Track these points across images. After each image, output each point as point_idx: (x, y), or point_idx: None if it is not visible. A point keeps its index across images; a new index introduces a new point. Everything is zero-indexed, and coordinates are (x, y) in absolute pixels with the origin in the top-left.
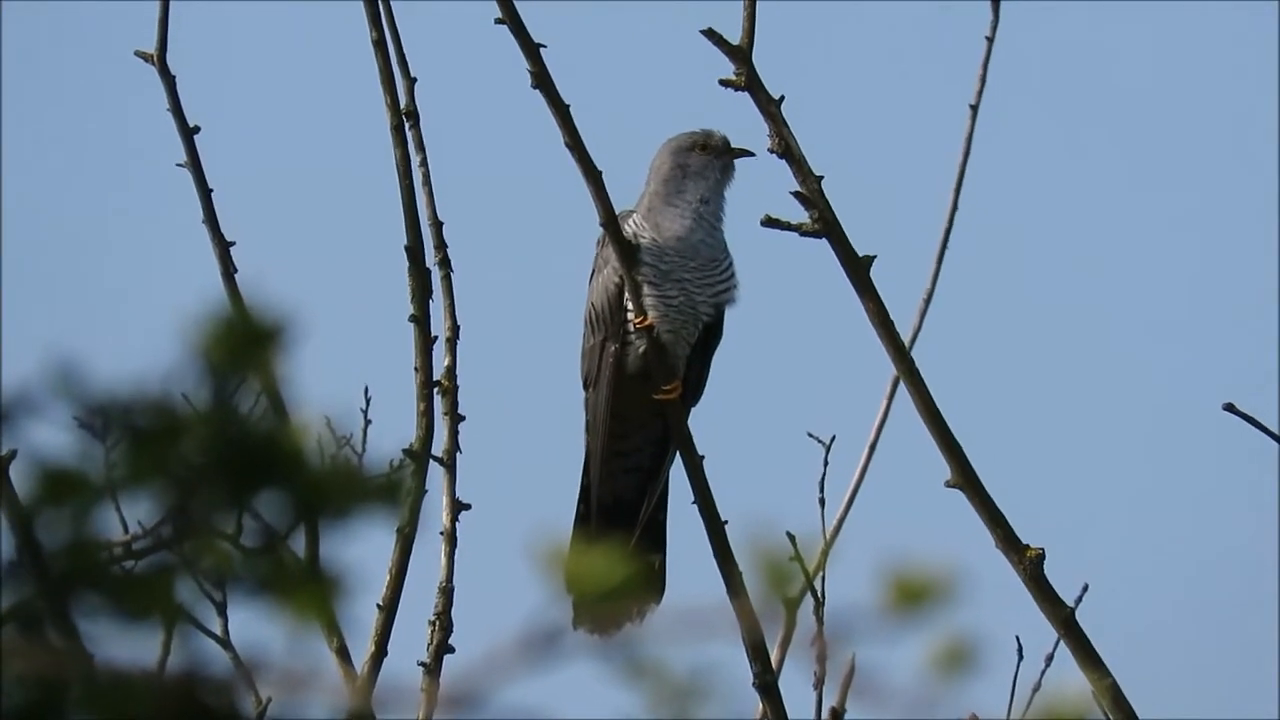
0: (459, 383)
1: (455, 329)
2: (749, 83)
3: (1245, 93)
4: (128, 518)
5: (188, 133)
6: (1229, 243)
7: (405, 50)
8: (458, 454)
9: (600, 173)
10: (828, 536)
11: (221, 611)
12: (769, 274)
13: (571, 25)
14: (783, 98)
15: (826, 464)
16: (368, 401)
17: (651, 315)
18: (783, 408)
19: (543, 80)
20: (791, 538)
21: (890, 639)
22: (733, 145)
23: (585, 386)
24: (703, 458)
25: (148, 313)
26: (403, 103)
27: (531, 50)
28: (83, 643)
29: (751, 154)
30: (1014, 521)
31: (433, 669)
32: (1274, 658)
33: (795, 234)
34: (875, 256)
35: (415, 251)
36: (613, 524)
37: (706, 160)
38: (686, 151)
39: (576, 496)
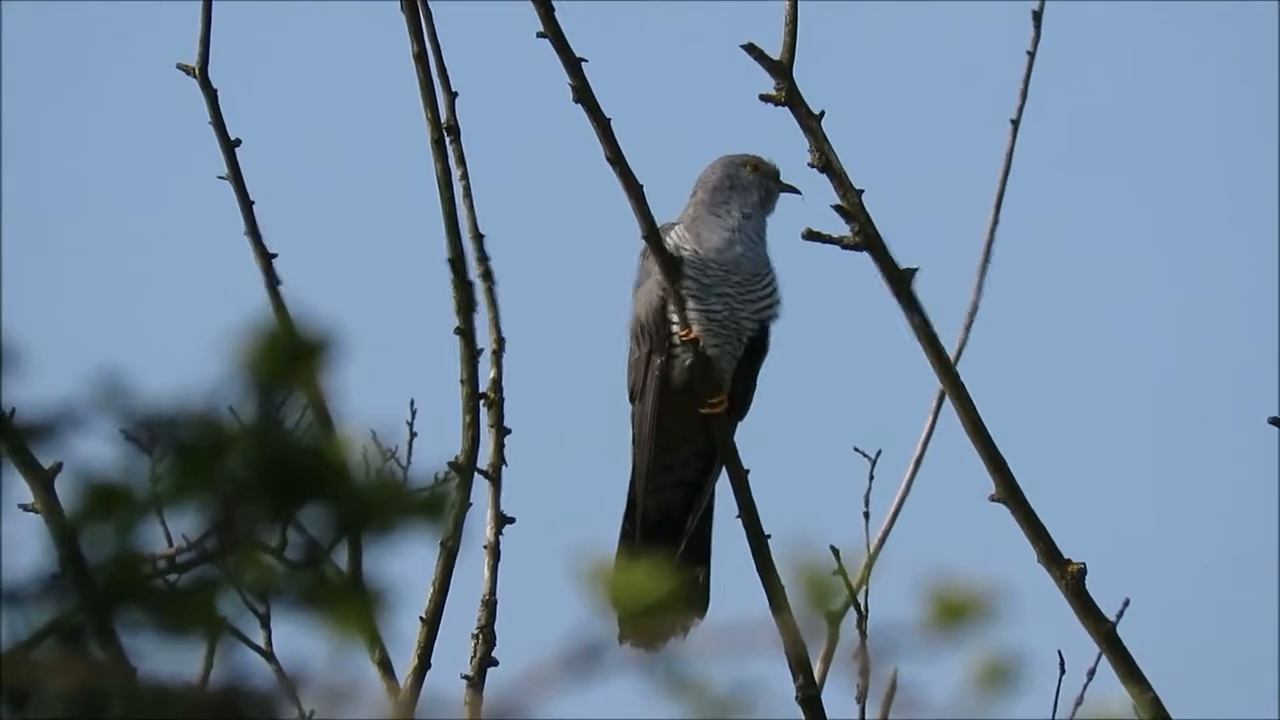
0: (504, 395)
1: (500, 341)
2: (789, 98)
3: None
4: (172, 531)
5: (229, 146)
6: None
7: (446, 64)
8: (503, 467)
9: (642, 186)
10: (871, 551)
11: (265, 625)
12: (812, 288)
13: (613, 39)
14: (823, 113)
15: (872, 478)
16: (413, 414)
17: (695, 329)
18: (828, 422)
19: (584, 94)
20: (835, 552)
21: (933, 654)
22: (783, 179)
23: (631, 399)
24: (748, 471)
25: (192, 326)
26: (444, 117)
27: (573, 64)
28: (126, 656)
29: (799, 192)
30: (1056, 536)
31: (476, 682)
32: None
33: (837, 247)
34: (917, 270)
35: (458, 264)
36: (658, 538)
37: (756, 179)
38: (739, 166)
39: (623, 510)
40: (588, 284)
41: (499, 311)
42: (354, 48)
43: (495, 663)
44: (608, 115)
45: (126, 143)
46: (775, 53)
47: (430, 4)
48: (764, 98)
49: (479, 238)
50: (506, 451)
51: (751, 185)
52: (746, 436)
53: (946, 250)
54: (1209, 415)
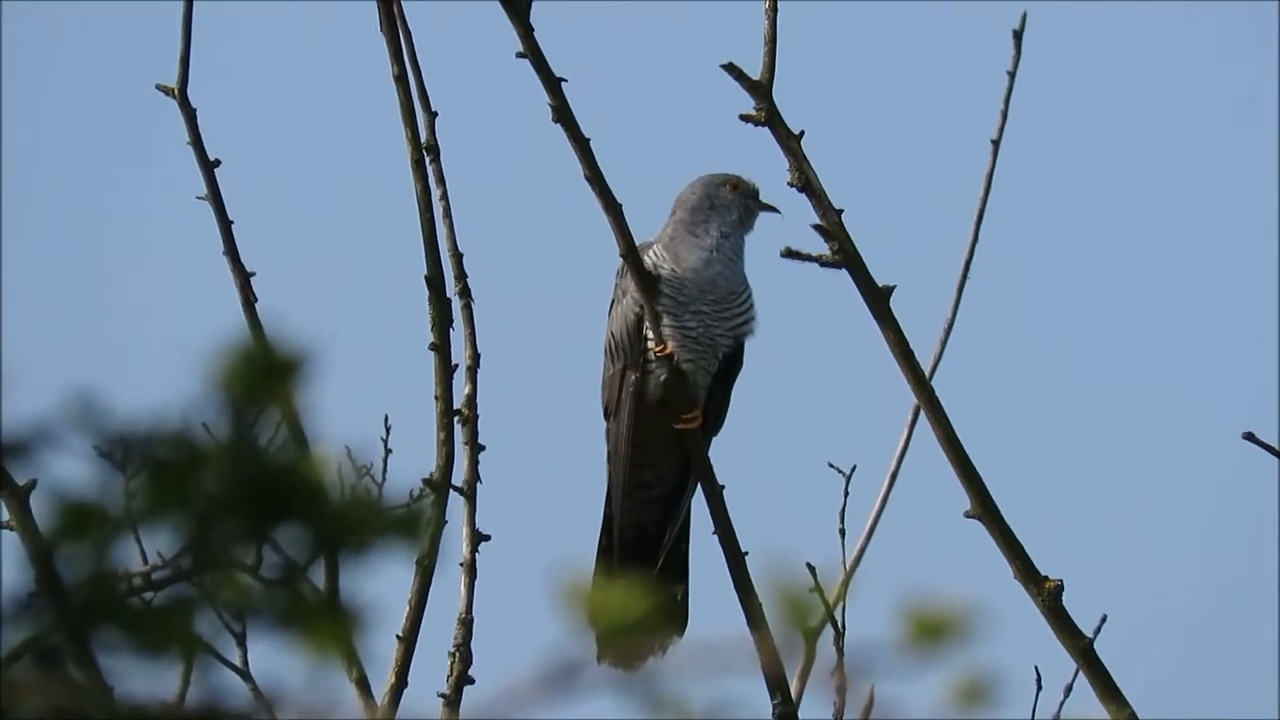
0: (479, 412)
1: (476, 358)
2: (769, 118)
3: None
4: (147, 549)
5: (208, 166)
6: (1255, 269)
7: (426, 84)
8: (478, 484)
9: (620, 205)
10: (848, 567)
11: (241, 643)
12: (789, 305)
13: (593, 59)
14: (803, 132)
15: (847, 494)
16: (388, 431)
17: (670, 345)
18: (803, 438)
19: (563, 114)
20: (812, 569)
21: (910, 671)
22: (762, 198)
23: (606, 416)
24: (723, 488)
25: (168, 344)
26: (423, 137)
27: (552, 84)
28: (102, 675)
29: (778, 211)
30: (1033, 552)
31: (453, 701)
32: None
33: (816, 265)
34: (895, 287)
35: (436, 281)
36: (635, 555)
37: (735, 198)
38: (718, 185)
39: (599, 528)
40: (564, 301)
41: (475, 329)
42: (334, 68)
43: (472, 681)
44: (587, 134)
45: (105, 162)
46: (755, 72)
47: (410, 25)
48: (744, 118)
49: (458, 256)
50: (481, 469)
51: (730, 204)
52: (722, 453)
53: (925, 267)
54: (1186, 430)
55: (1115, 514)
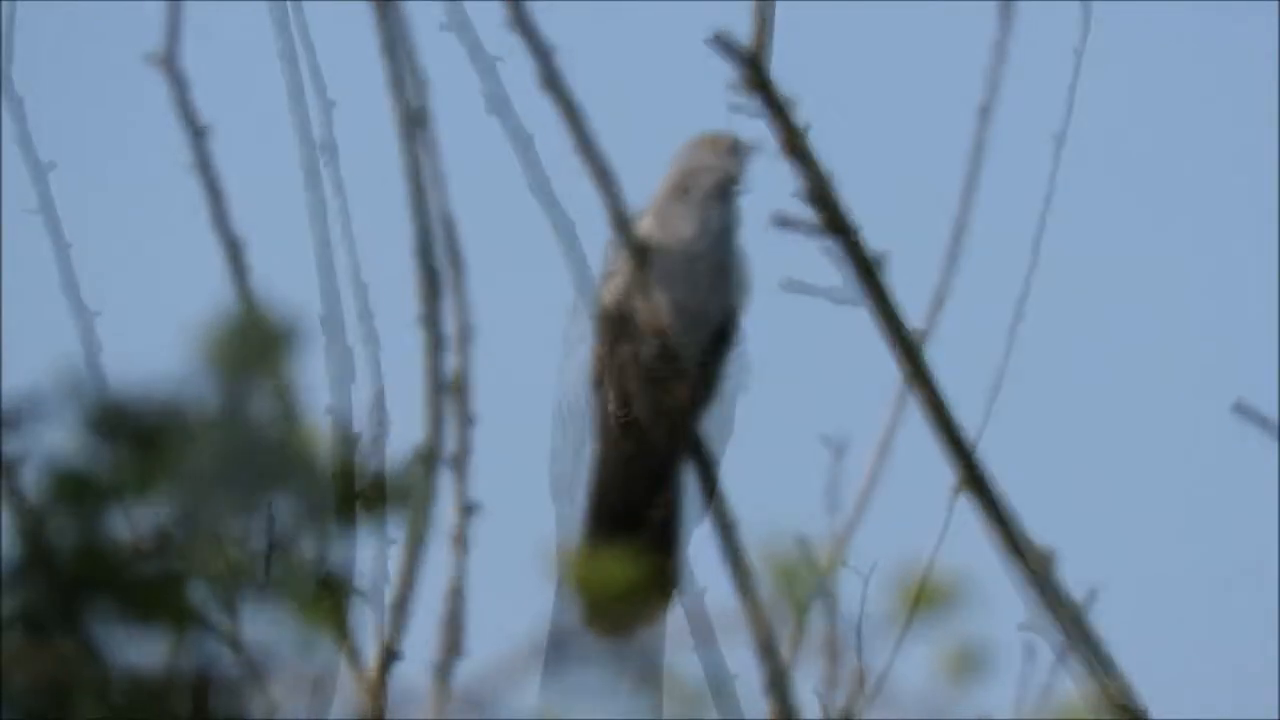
0: (469, 384)
1: (466, 329)
2: (760, 85)
3: (1257, 98)
4: (138, 521)
5: (197, 133)
6: (1244, 242)
7: (417, 49)
8: (468, 456)
9: (611, 175)
10: (840, 539)
11: (232, 614)
12: (779, 274)
13: (584, 26)
14: (793, 100)
15: (839, 467)
16: (379, 403)
17: (661, 317)
18: (793, 410)
19: (553, 81)
20: (803, 540)
21: (901, 642)
22: (742, 143)
23: (594, 388)
24: (715, 460)
25: (158, 314)
26: (414, 103)
27: (543, 52)
28: (92, 646)
29: (761, 149)
30: (1025, 523)
31: (443, 672)
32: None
33: (807, 235)
34: (886, 256)
35: (425, 251)
36: (624, 527)
37: (715, 158)
38: (695, 148)
39: (589, 499)
40: (555, 272)
41: (465, 299)
42: (322, 30)
43: (463, 652)
44: (579, 102)
45: (90, 129)
46: (746, 42)
47: None
48: (734, 85)
49: (448, 224)
50: (472, 440)
51: (710, 167)
52: (713, 425)
53: (916, 236)
54: (1181, 399)
55: (1109, 483)
